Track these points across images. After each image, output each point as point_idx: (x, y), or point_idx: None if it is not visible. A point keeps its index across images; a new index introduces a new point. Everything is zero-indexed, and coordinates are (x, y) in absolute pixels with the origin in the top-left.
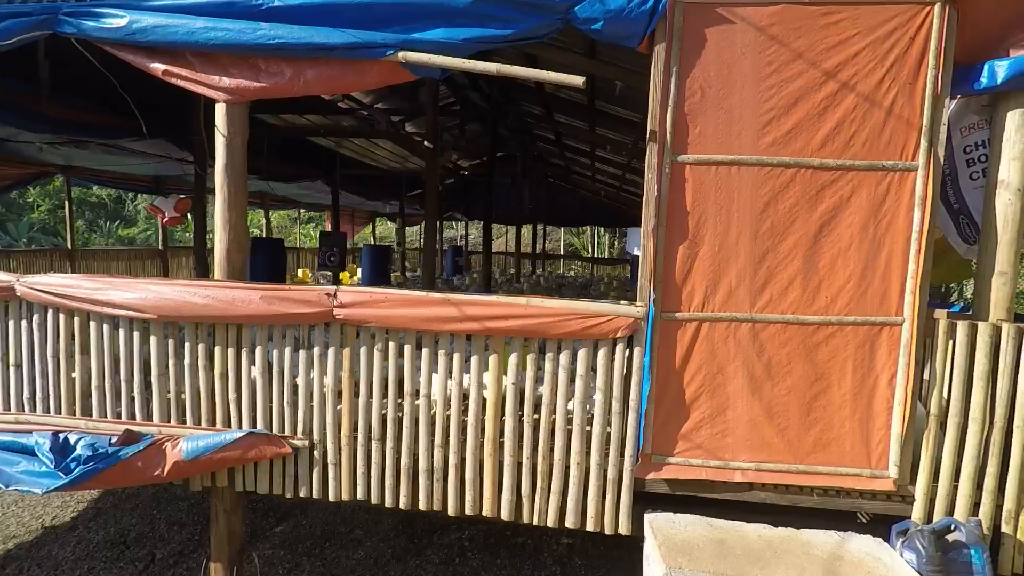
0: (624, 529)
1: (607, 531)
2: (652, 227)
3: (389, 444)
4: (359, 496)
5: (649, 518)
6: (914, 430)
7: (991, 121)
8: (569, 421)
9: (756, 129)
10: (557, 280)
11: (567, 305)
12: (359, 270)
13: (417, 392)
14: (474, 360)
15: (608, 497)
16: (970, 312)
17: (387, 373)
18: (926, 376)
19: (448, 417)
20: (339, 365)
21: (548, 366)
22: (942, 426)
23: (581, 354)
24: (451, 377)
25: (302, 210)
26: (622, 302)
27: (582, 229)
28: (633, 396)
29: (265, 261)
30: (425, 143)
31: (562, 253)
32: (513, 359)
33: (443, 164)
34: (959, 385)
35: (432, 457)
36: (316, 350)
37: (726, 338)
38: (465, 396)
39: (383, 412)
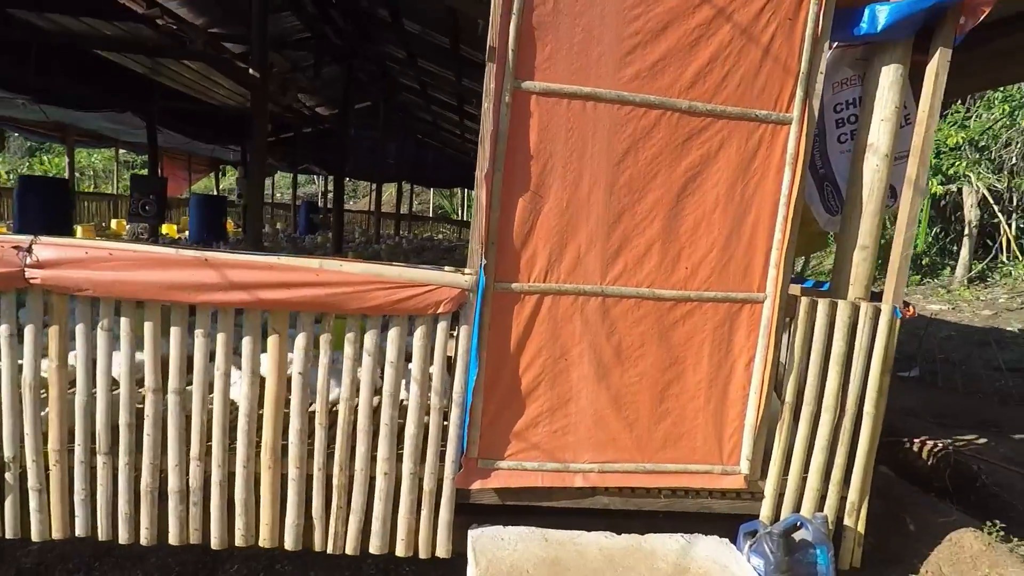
0: (443, 551)
1: (422, 555)
2: (486, 173)
3: (123, 459)
4: (79, 532)
5: (473, 536)
6: (768, 421)
7: (864, 77)
8: (378, 420)
9: (618, 57)
10: (421, 243)
11: (373, 271)
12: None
13: (164, 387)
14: (246, 343)
15: (423, 513)
16: (825, 289)
17: (118, 362)
18: (782, 360)
19: (209, 418)
20: (40, 351)
21: (348, 350)
22: (795, 415)
23: (392, 334)
24: (216, 366)
25: (131, 152)
26: (447, 268)
27: (453, 191)
28: (458, 387)
29: (40, 206)
30: (251, 71)
31: (431, 215)
32: (300, 341)
33: (286, 103)
34: (815, 370)
35: (187, 474)
36: (2, 328)
37: (572, 315)
38: (238, 405)
39: (113, 415)
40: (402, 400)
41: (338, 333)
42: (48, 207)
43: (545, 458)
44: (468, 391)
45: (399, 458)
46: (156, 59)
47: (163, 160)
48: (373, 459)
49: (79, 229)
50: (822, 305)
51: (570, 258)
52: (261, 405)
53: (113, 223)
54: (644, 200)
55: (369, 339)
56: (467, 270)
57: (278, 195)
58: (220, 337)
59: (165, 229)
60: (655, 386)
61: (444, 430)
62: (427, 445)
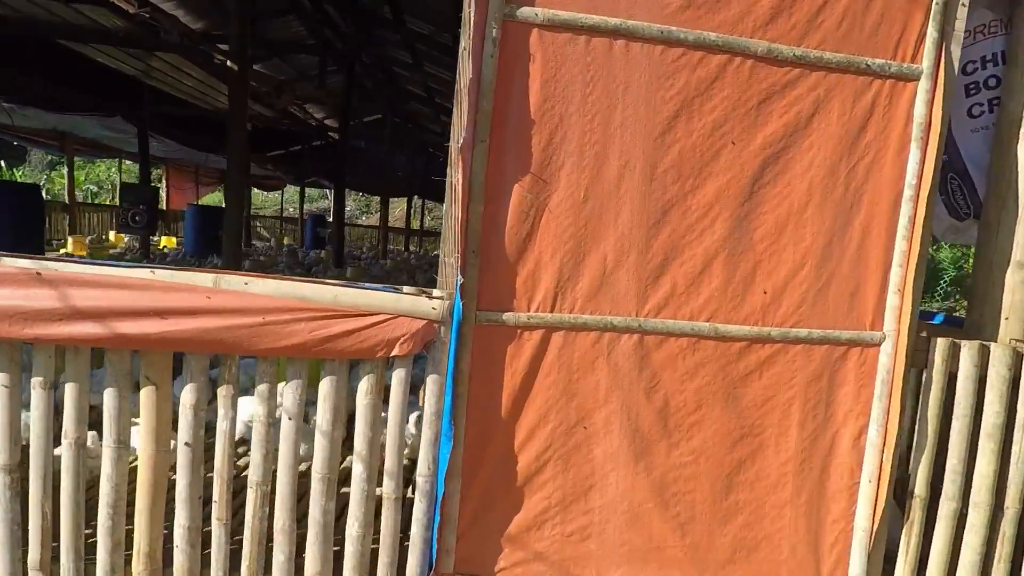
0: None
1: None
2: (463, 144)
3: None
4: None
5: None
6: (888, 522)
7: (1012, 22)
8: (303, 517)
9: None
10: (431, 259)
11: (295, 292)
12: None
13: None
14: (108, 399)
15: None
16: (963, 327)
17: None
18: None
19: (56, 510)
20: None
21: (259, 408)
22: (930, 515)
23: (323, 388)
24: (64, 432)
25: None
26: (406, 289)
27: None
28: (423, 467)
29: (8, 214)
30: (228, 63)
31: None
32: (188, 397)
33: (280, 107)
34: (958, 447)
35: None
36: None
37: (594, 361)
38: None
39: None
40: (342, 489)
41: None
42: (16, 215)
43: (555, 575)
44: (439, 474)
45: (337, 572)
46: (148, 62)
47: (169, 172)
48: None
49: (70, 241)
50: (968, 351)
51: (591, 275)
52: (133, 489)
53: (111, 235)
54: (701, 190)
55: (290, 394)
56: (437, 292)
57: (290, 209)
58: (69, 390)
59: (164, 242)
60: (719, 468)
61: (398, 533)
62: (378, 554)
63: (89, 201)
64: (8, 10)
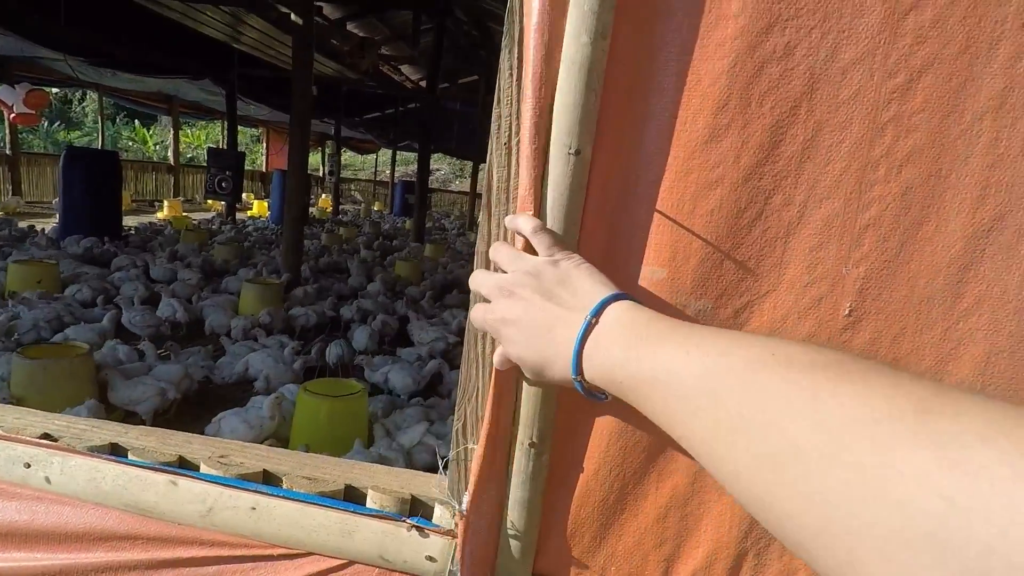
0: None
1: None
2: (535, 75)
3: None
4: None
5: None
6: None
7: None
8: None
9: None
10: None
11: (138, 499)
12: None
13: None
14: None
15: None
16: None
17: None
18: None
19: None
20: None
21: None
22: None
23: None
24: None
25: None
26: (370, 495)
27: None
28: None
29: (87, 179)
30: (293, 16)
31: None
32: None
33: (363, 69)
34: None
35: None
36: None
37: None
38: None
39: None
40: None
41: None
42: (95, 180)
43: None
44: None
45: None
46: (236, 28)
47: (270, 135)
48: None
49: (165, 204)
50: None
51: None
52: None
53: (208, 199)
54: None
55: None
56: (439, 510)
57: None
58: None
59: (256, 207)
60: None
61: None
62: None
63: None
64: None
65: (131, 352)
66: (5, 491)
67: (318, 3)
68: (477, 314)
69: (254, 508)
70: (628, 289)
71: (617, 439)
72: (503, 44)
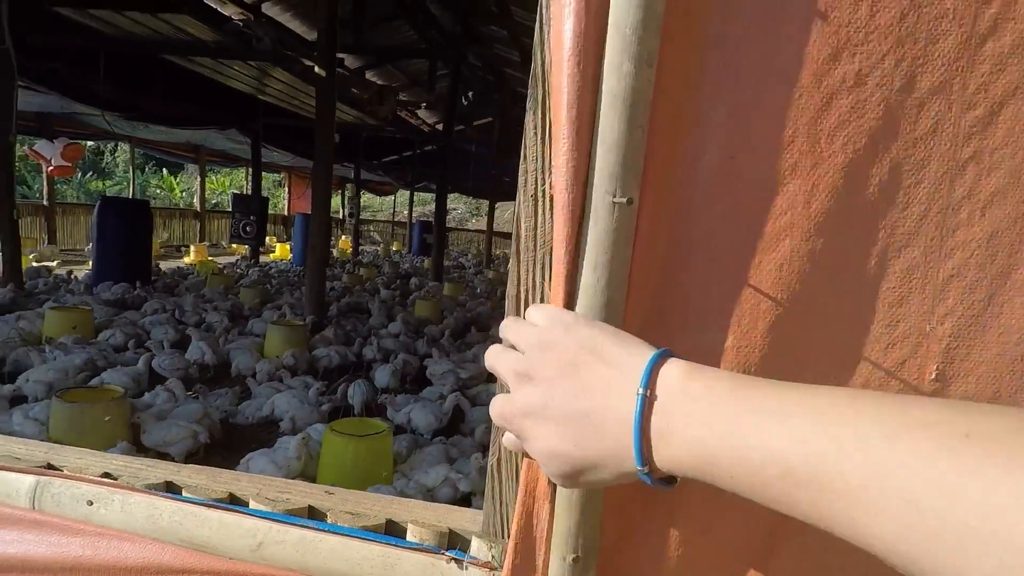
0: None
1: None
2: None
3: None
4: None
5: None
6: None
7: None
8: None
9: None
10: None
11: (182, 532)
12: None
13: None
14: None
15: None
16: None
17: None
18: None
19: None
20: None
21: None
22: None
23: None
24: None
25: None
26: (411, 529)
27: None
28: None
29: (120, 228)
30: (316, 69)
31: None
32: None
33: (383, 116)
34: None
35: None
36: None
37: None
38: None
39: None
40: None
41: None
42: (127, 229)
43: None
44: None
45: None
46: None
47: (292, 180)
48: None
49: (192, 249)
50: None
51: None
52: None
53: (233, 244)
54: None
55: None
56: (476, 543)
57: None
58: None
59: (279, 250)
60: None
61: None
62: None
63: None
64: (105, 26)
65: (169, 396)
66: (71, 528)
67: (340, 55)
68: (495, 409)
69: (301, 542)
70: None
71: (696, 537)
72: (528, 106)
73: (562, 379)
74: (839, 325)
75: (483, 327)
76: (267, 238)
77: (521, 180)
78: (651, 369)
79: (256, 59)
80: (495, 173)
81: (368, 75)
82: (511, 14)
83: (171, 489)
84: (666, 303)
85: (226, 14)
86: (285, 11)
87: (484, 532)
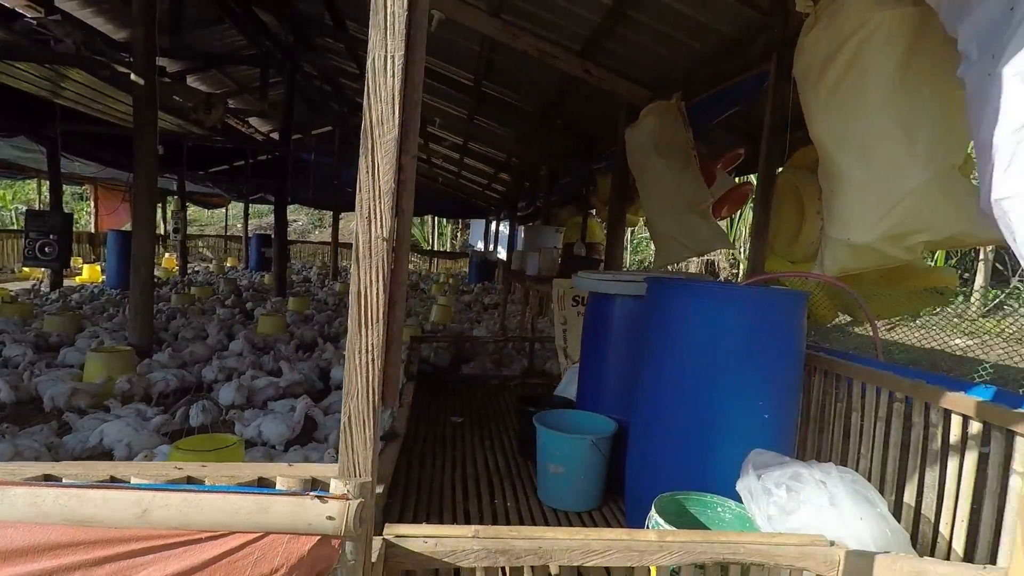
0: None
1: None
2: None
3: None
4: None
5: None
6: None
7: None
8: None
9: None
10: None
11: (78, 512)
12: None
13: None
14: None
15: None
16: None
17: None
18: None
19: None
20: None
21: None
22: None
23: None
24: None
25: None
26: (280, 477)
27: (422, 219)
28: None
29: None
30: (133, 76)
31: None
32: None
33: (210, 125)
34: None
35: None
36: None
37: None
38: None
39: None
40: None
41: None
42: None
43: None
44: None
45: None
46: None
47: (98, 192)
48: None
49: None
50: None
51: None
52: None
53: (27, 267)
54: None
55: None
56: (335, 482)
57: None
58: None
59: (87, 273)
60: None
61: None
62: None
63: (13, 226)
64: None
65: None
66: None
67: (159, 62)
68: None
69: (184, 503)
70: None
71: None
72: (360, 152)
73: None
74: None
75: (333, 338)
76: (72, 259)
77: (358, 207)
78: None
79: (58, 63)
80: (337, 184)
81: (190, 80)
82: (346, 28)
83: (51, 480)
84: None
85: (12, 8)
86: (84, 7)
87: (340, 474)
